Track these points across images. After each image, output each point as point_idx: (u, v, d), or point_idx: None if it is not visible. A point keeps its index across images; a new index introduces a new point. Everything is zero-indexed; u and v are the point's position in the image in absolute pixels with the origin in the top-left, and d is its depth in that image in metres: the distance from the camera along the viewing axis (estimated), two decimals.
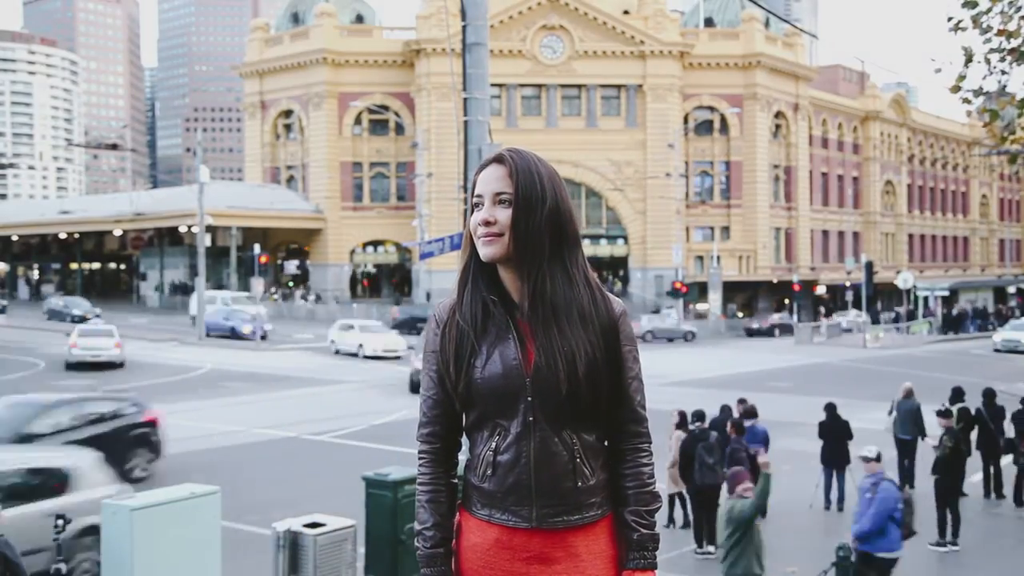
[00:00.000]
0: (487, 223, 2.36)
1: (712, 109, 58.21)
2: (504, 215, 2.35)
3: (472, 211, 2.41)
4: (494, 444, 2.38)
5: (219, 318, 40.22)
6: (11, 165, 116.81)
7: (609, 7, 55.84)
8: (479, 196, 2.39)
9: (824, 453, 13.27)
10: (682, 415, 12.21)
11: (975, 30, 10.43)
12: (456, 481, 2.52)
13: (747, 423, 12.30)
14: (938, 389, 17.44)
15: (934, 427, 12.96)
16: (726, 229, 58.64)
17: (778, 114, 61.44)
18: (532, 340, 2.36)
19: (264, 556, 8.36)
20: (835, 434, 13.18)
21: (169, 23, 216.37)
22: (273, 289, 48.78)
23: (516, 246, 2.35)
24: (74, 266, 65.56)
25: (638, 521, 2.40)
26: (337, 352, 34.60)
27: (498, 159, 2.40)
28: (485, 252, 2.37)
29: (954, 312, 54.02)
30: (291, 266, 59.60)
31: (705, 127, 58.39)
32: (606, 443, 2.47)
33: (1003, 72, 10.56)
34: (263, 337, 38.13)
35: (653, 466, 2.47)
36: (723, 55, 58.38)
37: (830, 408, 13.52)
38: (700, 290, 52.20)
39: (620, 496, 2.43)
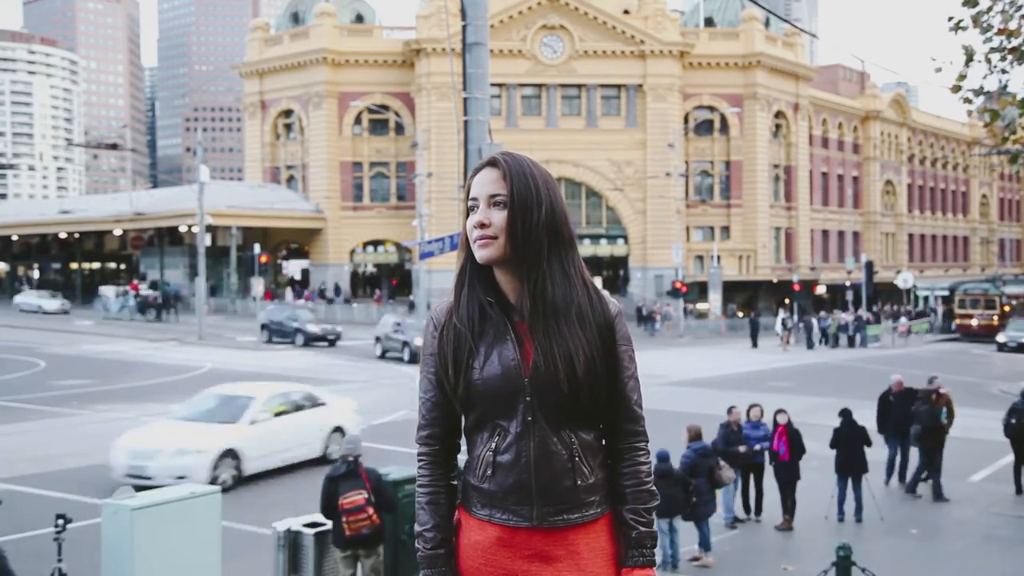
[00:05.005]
0: (482, 225, 2.38)
1: (712, 109, 58.20)
2: (499, 217, 2.37)
3: (467, 215, 2.42)
4: (494, 444, 2.40)
5: (282, 317, 37.91)
6: (11, 166, 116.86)
7: (609, 7, 55.82)
8: (474, 199, 2.41)
9: (839, 462, 12.65)
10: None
11: (975, 29, 10.41)
12: (455, 483, 2.53)
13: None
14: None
15: None
16: (726, 229, 58.64)
17: (778, 114, 61.43)
18: (530, 341, 2.38)
19: (264, 556, 8.36)
20: (851, 441, 12.58)
21: (169, 23, 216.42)
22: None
23: (513, 248, 2.37)
24: (74, 266, 65.56)
25: (636, 519, 2.43)
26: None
27: (492, 163, 2.42)
28: (481, 255, 2.39)
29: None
30: (293, 267, 59.61)
31: (705, 127, 58.38)
32: (604, 442, 2.49)
33: (1004, 71, 10.54)
34: (333, 342, 36.03)
35: (650, 464, 2.50)
36: (723, 55, 58.37)
37: (845, 414, 12.88)
38: (700, 290, 52.18)
39: (618, 494, 2.46)
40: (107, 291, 52.47)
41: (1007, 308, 47.40)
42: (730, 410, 12.72)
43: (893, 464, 14.77)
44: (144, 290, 51.84)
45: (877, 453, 15.12)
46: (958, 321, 49.26)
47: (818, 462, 13.58)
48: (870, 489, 12.62)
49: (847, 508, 12.60)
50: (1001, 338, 42.26)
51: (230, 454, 13.31)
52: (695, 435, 11.12)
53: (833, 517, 12.59)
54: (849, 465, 12.52)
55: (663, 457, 10.34)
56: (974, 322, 47.88)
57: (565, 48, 55.29)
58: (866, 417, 14.07)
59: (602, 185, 55.56)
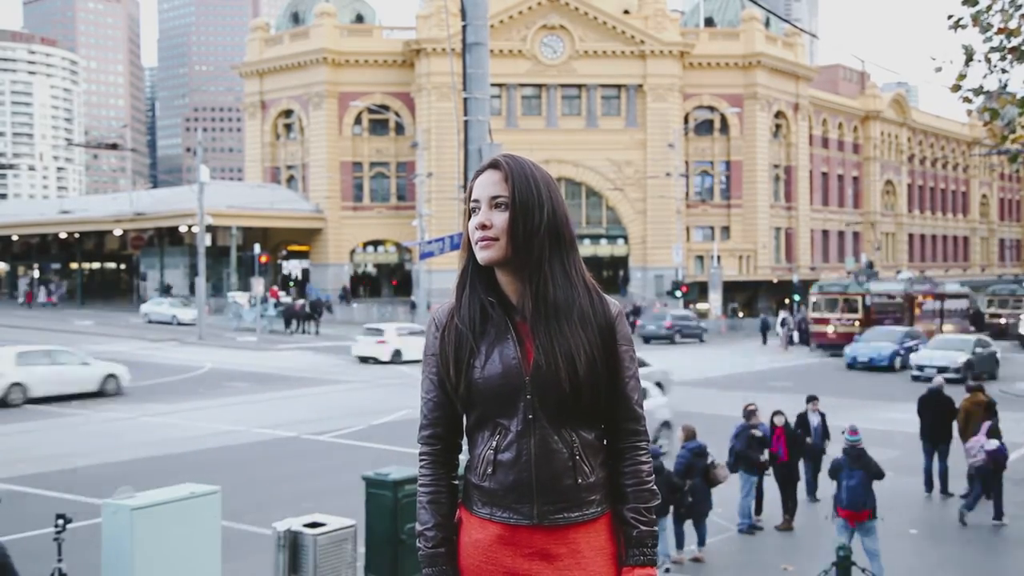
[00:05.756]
0: (483, 227, 2.39)
1: (712, 109, 58.20)
2: (500, 219, 2.39)
3: (469, 216, 2.44)
4: (495, 443, 2.41)
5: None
6: (11, 166, 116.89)
7: (609, 7, 55.82)
8: (475, 201, 2.43)
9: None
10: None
11: (975, 28, 10.42)
12: (457, 482, 2.54)
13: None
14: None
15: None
16: (726, 229, 58.65)
17: (778, 114, 61.43)
18: (531, 340, 2.40)
19: (264, 556, 8.36)
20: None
21: (169, 23, 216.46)
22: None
23: (514, 249, 2.39)
24: (74, 266, 65.54)
25: (637, 518, 2.44)
26: None
27: (493, 164, 2.44)
28: (482, 256, 2.40)
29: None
30: (293, 267, 59.59)
31: (705, 127, 58.38)
32: (604, 442, 2.50)
33: (1003, 71, 10.55)
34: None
35: (651, 464, 2.52)
36: (723, 55, 58.38)
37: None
38: (700, 290, 52.18)
39: (619, 494, 2.47)
40: (240, 297, 46.36)
41: (873, 311, 37.96)
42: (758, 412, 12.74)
43: (929, 472, 14.24)
44: (284, 297, 47.13)
45: (875, 453, 15.11)
46: (812, 328, 39.49)
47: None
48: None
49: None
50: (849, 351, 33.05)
51: None
52: (689, 435, 11.13)
53: (832, 516, 12.60)
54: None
55: (654, 454, 10.34)
56: (830, 329, 38.05)
57: (565, 48, 55.28)
58: (868, 418, 14.01)
59: (602, 185, 55.56)
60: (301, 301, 45.33)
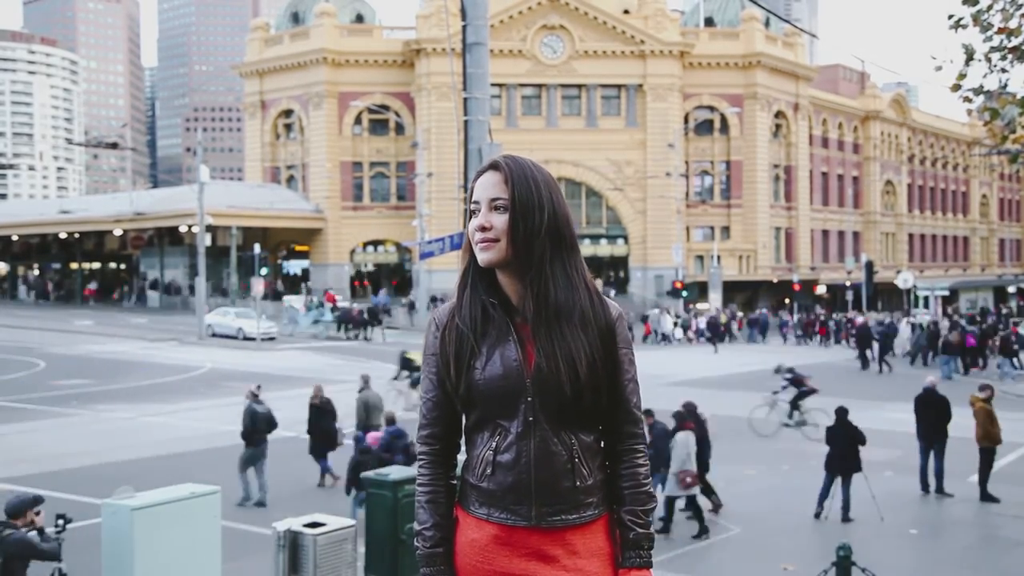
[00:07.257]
0: (483, 229, 2.40)
1: (712, 109, 58.19)
2: (500, 221, 2.39)
3: (470, 217, 2.45)
4: (494, 444, 2.41)
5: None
6: (11, 166, 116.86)
7: (609, 7, 55.81)
8: (476, 203, 2.43)
9: (828, 459, 12.50)
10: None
11: (976, 28, 10.41)
12: (455, 482, 2.54)
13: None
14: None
15: None
16: (726, 229, 58.64)
17: (778, 114, 61.42)
18: (531, 342, 2.40)
19: (264, 556, 8.36)
20: (843, 440, 12.42)
21: (169, 23, 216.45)
22: None
23: (514, 251, 2.39)
24: (74, 266, 65.55)
25: (634, 520, 2.44)
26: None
27: (494, 166, 2.44)
28: (482, 258, 2.41)
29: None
30: (293, 267, 59.57)
31: (705, 127, 58.37)
32: (603, 444, 2.51)
33: (1004, 70, 10.54)
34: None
35: (648, 466, 2.51)
36: (723, 55, 58.36)
37: (840, 412, 12.75)
38: (700, 290, 52.17)
39: (616, 496, 2.48)
40: (295, 302, 44.22)
41: None
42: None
43: (924, 472, 14.07)
44: (342, 302, 45.32)
45: (875, 453, 15.11)
46: None
47: (816, 461, 13.58)
48: (870, 489, 12.59)
49: (829, 505, 12.46)
50: None
51: None
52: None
53: (834, 517, 12.53)
54: (838, 464, 12.40)
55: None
56: None
57: (565, 48, 55.28)
58: (868, 418, 14.01)
59: (602, 185, 55.56)
60: (360, 307, 42.83)
